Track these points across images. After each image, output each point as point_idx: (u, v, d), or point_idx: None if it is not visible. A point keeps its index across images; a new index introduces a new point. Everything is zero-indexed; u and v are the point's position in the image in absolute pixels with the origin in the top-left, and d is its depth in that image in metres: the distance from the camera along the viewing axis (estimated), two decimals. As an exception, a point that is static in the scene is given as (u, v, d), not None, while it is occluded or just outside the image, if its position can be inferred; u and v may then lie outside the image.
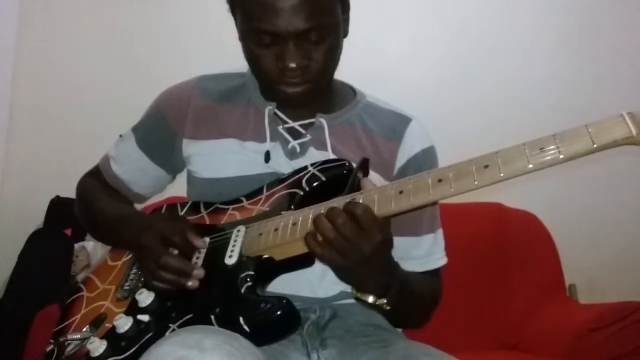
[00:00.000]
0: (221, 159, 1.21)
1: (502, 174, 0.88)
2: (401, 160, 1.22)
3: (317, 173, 1.13)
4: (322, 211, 1.00)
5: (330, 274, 1.09)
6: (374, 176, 1.13)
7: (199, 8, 2.41)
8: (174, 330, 1.00)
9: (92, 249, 2.22)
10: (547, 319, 1.87)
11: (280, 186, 1.15)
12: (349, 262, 0.96)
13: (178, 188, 1.35)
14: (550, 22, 2.55)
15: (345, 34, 1.19)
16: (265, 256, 1.06)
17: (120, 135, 1.33)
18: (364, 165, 1.08)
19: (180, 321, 1.02)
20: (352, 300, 1.10)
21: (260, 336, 0.97)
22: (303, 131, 1.21)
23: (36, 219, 2.33)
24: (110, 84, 2.45)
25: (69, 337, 1.11)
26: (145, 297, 1.07)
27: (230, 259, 1.06)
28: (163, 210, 1.26)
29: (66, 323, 1.17)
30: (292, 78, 1.11)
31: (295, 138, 1.21)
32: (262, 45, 1.10)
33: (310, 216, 1.02)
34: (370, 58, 2.44)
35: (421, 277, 1.21)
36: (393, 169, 1.22)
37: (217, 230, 1.14)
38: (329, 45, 1.12)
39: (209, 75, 1.30)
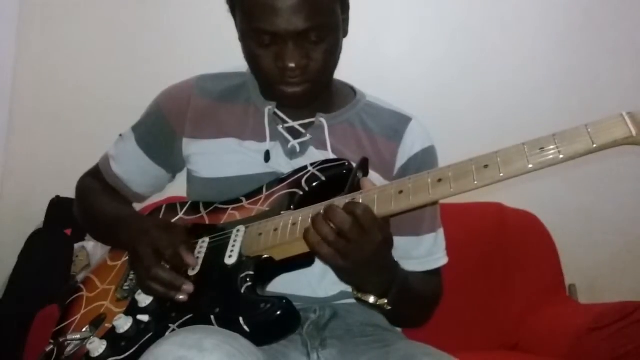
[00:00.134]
0: (221, 158, 1.21)
1: (502, 174, 0.88)
2: (401, 160, 1.22)
3: (317, 173, 1.13)
4: (321, 211, 1.00)
5: (330, 274, 1.09)
6: (374, 176, 1.13)
7: (198, 8, 2.41)
8: (173, 330, 1.00)
9: (92, 249, 2.22)
10: (547, 319, 1.87)
11: (280, 186, 1.15)
12: (350, 262, 0.96)
13: (178, 188, 1.35)
14: (550, 22, 2.55)
15: (345, 34, 1.19)
16: (265, 256, 1.06)
17: (120, 135, 1.33)
18: (364, 165, 1.08)
19: (180, 321, 1.02)
20: (352, 300, 1.10)
21: (260, 336, 0.97)
22: (303, 131, 1.21)
23: (36, 219, 2.33)
24: (110, 84, 2.45)
25: (69, 337, 1.11)
26: (145, 297, 1.07)
27: (230, 259, 1.06)
28: (163, 211, 1.26)
29: (66, 323, 1.17)
30: (291, 78, 1.11)
31: (295, 138, 1.21)
32: (261, 45, 1.10)
33: (310, 216, 1.02)
34: (370, 58, 2.43)
35: (422, 276, 1.21)
36: (393, 169, 1.22)
37: (216, 230, 1.14)
38: (328, 45, 1.12)
39: (208, 74, 1.30)
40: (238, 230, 1.10)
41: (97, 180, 1.33)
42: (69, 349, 1.09)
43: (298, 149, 1.20)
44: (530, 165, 0.87)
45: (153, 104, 1.31)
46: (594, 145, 0.84)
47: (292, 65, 1.09)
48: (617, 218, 2.52)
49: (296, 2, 1.05)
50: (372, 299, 1.03)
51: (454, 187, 0.91)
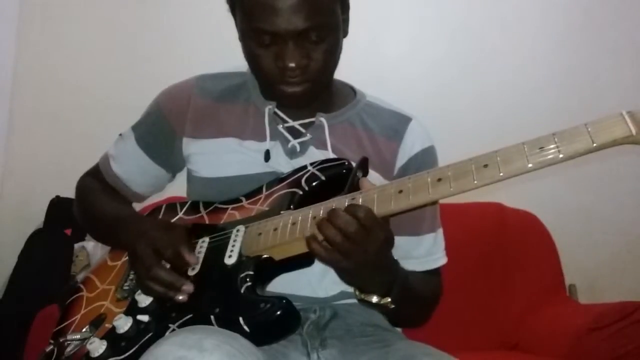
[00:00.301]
0: (221, 158, 1.21)
1: (501, 174, 0.88)
2: (401, 159, 1.22)
3: (317, 172, 1.13)
4: (321, 212, 1.00)
5: (330, 274, 1.09)
6: (374, 175, 1.13)
7: (198, 8, 2.41)
8: (173, 330, 1.00)
9: (92, 249, 2.22)
10: (547, 319, 1.87)
11: (280, 185, 1.15)
12: (353, 263, 0.96)
13: (178, 187, 1.35)
14: (550, 22, 2.55)
15: (345, 34, 1.19)
16: (265, 256, 1.06)
17: (120, 135, 1.33)
18: (364, 165, 1.08)
19: (180, 321, 1.01)
20: (352, 300, 1.10)
21: (260, 336, 0.97)
22: (303, 130, 1.21)
23: (36, 219, 2.33)
24: (110, 84, 2.45)
25: (69, 337, 1.11)
26: (144, 297, 1.07)
27: (230, 259, 1.06)
28: (162, 210, 1.26)
29: (66, 323, 1.17)
30: (291, 78, 1.11)
31: (295, 137, 1.21)
32: (261, 45, 1.10)
33: (310, 216, 1.02)
34: (370, 58, 2.44)
35: (422, 276, 1.21)
36: (393, 169, 1.22)
37: (216, 229, 1.14)
38: (328, 45, 1.12)
39: (208, 74, 1.30)
40: (238, 230, 1.10)
41: (97, 180, 1.33)
42: (69, 349, 1.09)
43: (298, 149, 1.20)
44: (530, 165, 0.87)
45: (153, 104, 1.30)
46: (594, 145, 0.84)
47: (292, 65, 1.09)
48: (617, 218, 2.52)
49: (296, 2, 1.05)
50: (375, 299, 1.03)
51: (453, 186, 0.91)
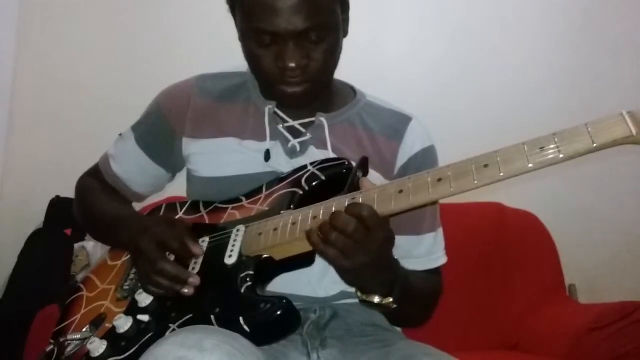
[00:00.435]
0: (221, 158, 1.21)
1: (502, 174, 0.88)
2: (402, 159, 1.22)
3: (317, 172, 1.13)
4: (321, 211, 1.00)
5: (330, 274, 1.09)
6: (374, 175, 1.13)
7: (198, 8, 2.41)
8: (174, 330, 1.00)
9: (92, 249, 2.22)
10: (547, 319, 1.87)
11: (280, 185, 1.15)
12: (355, 262, 0.96)
13: (178, 187, 1.35)
14: (550, 22, 2.55)
15: (345, 34, 1.19)
16: (265, 256, 1.06)
17: (120, 134, 1.33)
18: (364, 165, 1.08)
19: (180, 321, 1.01)
20: (353, 300, 1.10)
21: (260, 336, 0.97)
22: (303, 130, 1.21)
23: (36, 219, 2.33)
24: (110, 84, 2.45)
25: (69, 337, 1.11)
26: (145, 297, 1.07)
27: (230, 259, 1.06)
28: (162, 210, 1.26)
29: (66, 323, 1.17)
30: (292, 78, 1.11)
31: (295, 137, 1.21)
32: (262, 45, 1.10)
33: (310, 215, 1.02)
34: (370, 58, 2.44)
35: (422, 275, 1.21)
36: (394, 169, 1.22)
37: (216, 229, 1.14)
38: (328, 45, 1.12)
39: (208, 74, 1.30)
40: (238, 230, 1.10)
41: (97, 180, 1.33)
42: (69, 349, 1.09)
43: (298, 149, 1.20)
44: (531, 165, 0.87)
45: (153, 104, 1.31)
46: (594, 145, 0.84)
47: (293, 65, 1.09)
48: (617, 218, 2.52)
49: (296, 2, 1.05)
50: (377, 299, 1.03)
51: (454, 186, 0.91)
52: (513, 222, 2.03)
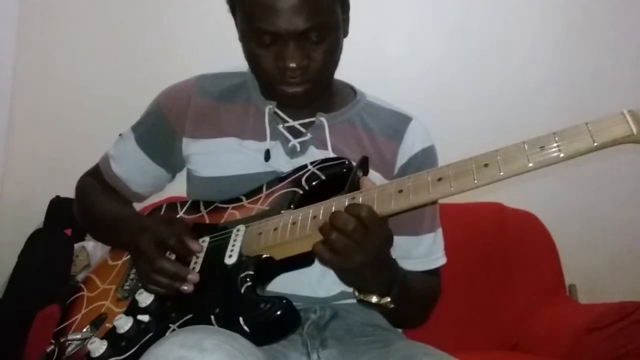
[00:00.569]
0: (221, 157, 1.21)
1: (502, 173, 0.88)
2: (402, 159, 1.22)
3: (317, 172, 1.13)
4: (321, 211, 1.00)
5: (330, 274, 1.09)
6: (374, 175, 1.13)
7: (199, 8, 2.41)
8: (174, 330, 1.00)
9: (92, 249, 2.22)
10: (547, 319, 1.87)
11: (280, 185, 1.15)
12: (353, 262, 0.96)
13: (178, 187, 1.35)
14: (550, 21, 2.55)
15: (345, 34, 1.19)
16: (265, 256, 1.06)
17: (120, 135, 1.33)
18: (364, 164, 1.08)
19: (180, 321, 1.01)
20: (353, 300, 1.10)
21: (260, 336, 0.97)
22: (303, 130, 1.21)
23: (36, 219, 2.33)
24: (110, 84, 2.45)
25: (70, 337, 1.11)
26: (145, 297, 1.07)
27: (230, 259, 1.06)
28: (163, 210, 1.26)
29: (67, 323, 1.17)
30: (292, 78, 1.11)
31: (295, 137, 1.21)
32: (262, 45, 1.10)
33: (310, 215, 1.02)
34: (370, 58, 2.44)
35: (421, 276, 1.21)
36: (394, 168, 1.22)
37: (216, 229, 1.14)
38: (329, 45, 1.12)
39: (208, 74, 1.30)
40: (238, 230, 1.10)
41: (97, 180, 1.33)
42: (69, 349, 1.09)
43: (298, 148, 1.20)
44: (531, 164, 0.87)
45: (153, 104, 1.31)
46: (595, 144, 0.84)
47: (293, 65, 1.09)
48: (617, 218, 2.52)
49: (296, 2, 1.05)
50: (374, 299, 1.03)
51: (454, 186, 0.91)
52: (513, 222, 2.03)
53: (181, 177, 1.33)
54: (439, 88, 2.50)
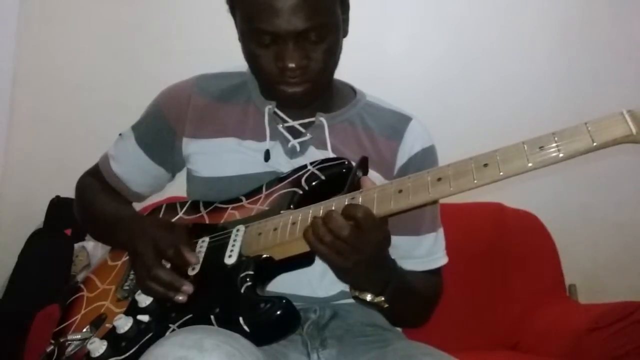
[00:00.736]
0: (221, 157, 1.21)
1: (501, 173, 0.88)
2: (402, 159, 1.22)
3: (317, 172, 1.13)
4: (321, 211, 1.00)
5: (330, 274, 1.08)
6: (374, 175, 1.13)
7: (199, 8, 2.41)
8: (174, 330, 1.00)
9: (92, 249, 2.22)
10: (547, 319, 1.87)
11: (280, 185, 1.15)
12: (349, 261, 0.96)
13: (178, 187, 1.35)
14: (549, 21, 2.55)
15: (345, 34, 1.19)
16: (265, 256, 1.06)
17: (120, 134, 1.33)
18: (363, 164, 1.08)
19: (180, 321, 1.01)
20: (352, 300, 1.10)
21: (260, 336, 0.97)
22: (303, 130, 1.21)
23: (36, 219, 2.33)
24: (110, 84, 2.45)
25: (70, 337, 1.11)
26: (145, 298, 1.07)
27: (230, 259, 1.06)
28: (162, 210, 1.26)
29: (66, 323, 1.17)
30: (291, 78, 1.11)
31: (295, 137, 1.21)
32: (261, 45, 1.10)
33: (310, 215, 1.02)
34: (371, 58, 2.44)
35: (421, 276, 1.21)
36: (393, 168, 1.22)
37: (216, 229, 1.14)
38: (328, 45, 1.12)
39: (208, 74, 1.30)
40: (238, 230, 1.10)
41: (97, 180, 1.33)
42: (69, 349, 1.09)
43: (298, 149, 1.20)
44: (530, 164, 0.87)
45: (153, 104, 1.30)
46: (594, 144, 0.84)
47: (292, 65, 1.09)
48: (617, 218, 2.52)
49: (296, 2, 1.05)
50: (369, 297, 1.04)
51: (453, 186, 0.91)
52: (513, 222, 2.03)
53: (181, 177, 1.32)
54: (439, 87, 2.50)
